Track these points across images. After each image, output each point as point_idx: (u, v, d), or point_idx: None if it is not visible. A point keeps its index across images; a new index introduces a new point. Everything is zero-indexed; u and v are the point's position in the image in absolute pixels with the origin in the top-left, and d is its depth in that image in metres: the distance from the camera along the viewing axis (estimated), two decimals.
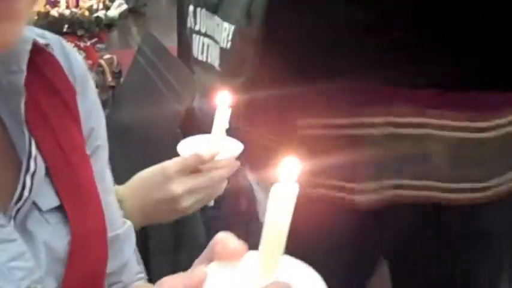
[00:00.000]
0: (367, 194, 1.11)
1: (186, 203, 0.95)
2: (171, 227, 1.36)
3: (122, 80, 2.14)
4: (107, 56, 2.20)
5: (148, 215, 0.96)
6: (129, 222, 0.76)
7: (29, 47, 0.61)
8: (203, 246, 1.45)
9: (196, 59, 1.86)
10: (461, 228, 1.14)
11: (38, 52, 0.64)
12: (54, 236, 0.62)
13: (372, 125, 1.08)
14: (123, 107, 1.76)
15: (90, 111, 0.70)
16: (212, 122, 1.02)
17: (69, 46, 0.71)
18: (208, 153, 0.96)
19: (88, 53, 2.15)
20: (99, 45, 2.21)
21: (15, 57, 0.60)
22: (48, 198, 0.63)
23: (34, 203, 0.61)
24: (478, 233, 1.15)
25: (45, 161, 0.63)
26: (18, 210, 0.60)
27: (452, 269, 1.18)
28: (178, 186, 0.94)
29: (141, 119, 1.48)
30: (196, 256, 1.39)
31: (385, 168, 1.09)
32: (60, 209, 0.63)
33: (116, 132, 1.10)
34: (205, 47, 1.74)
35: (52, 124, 0.65)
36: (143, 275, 0.79)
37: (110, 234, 0.70)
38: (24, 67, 0.61)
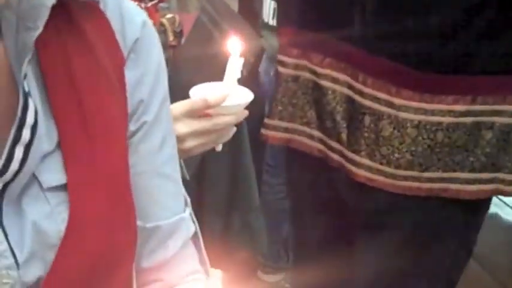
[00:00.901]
0: None
1: (189, 144, 0.96)
2: (225, 188, 1.37)
3: (183, 40, 2.14)
4: (169, 16, 2.21)
5: None
6: (185, 213, 0.68)
7: (50, 2, 0.54)
8: (256, 209, 1.47)
9: (265, 23, 1.85)
10: None
11: (82, 9, 0.57)
12: (51, 218, 0.55)
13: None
14: (184, 66, 1.77)
15: (141, 82, 0.62)
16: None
17: (129, 6, 0.62)
18: (215, 98, 0.97)
19: (149, 14, 2.16)
20: (161, 5, 2.22)
21: (33, 12, 0.54)
22: (52, 175, 0.56)
23: (36, 179, 0.55)
24: None
25: (59, 131, 0.56)
26: (7, 184, 0.53)
27: None
28: (183, 127, 0.95)
29: (203, 78, 1.48)
30: (249, 218, 1.42)
31: None
32: (65, 189, 0.56)
33: (176, 92, 1.10)
34: (276, 12, 1.73)
35: (80, 91, 0.57)
36: (203, 276, 0.70)
37: (147, 223, 0.64)
38: (41, 24, 0.54)
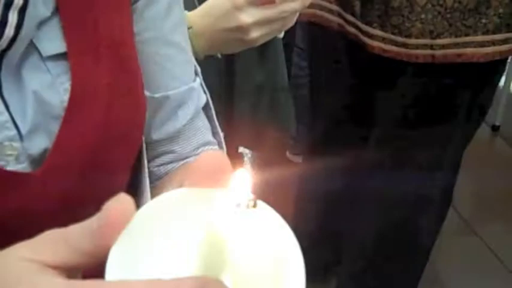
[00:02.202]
0: None
1: (255, 34, 0.92)
2: (255, 69, 1.37)
3: None
4: None
5: (214, 43, 0.93)
6: (195, 83, 0.66)
7: None
8: (285, 90, 1.43)
9: None
10: None
11: None
12: (52, 88, 0.53)
13: None
14: None
15: None
16: None
17: None
18: None
19: None
20: None
21: None
22: (52, 43, 0.53)
23: (35, 47, 0.52)
24: None
25: None
26: (4, 52, 0.51)
27: None
28: (247, 17, 0.90)
29: None
30: (278, 97, 1.37)
31: None
32: (66, 58, 0.53)
33: None
34: None
35: None
36: (216, 147, 0.69)
37: (155, 94, 0.61)
38: None
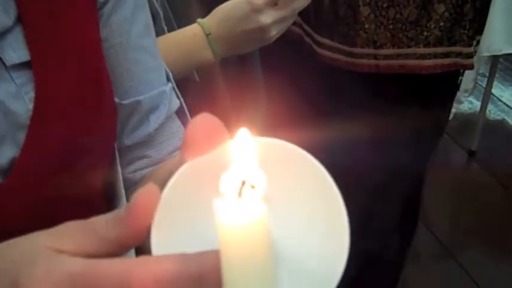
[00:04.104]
0: None
1: (273, 33, 0.96)
2: None
3: None
4: None
5: (233, 45, 0.98)
6: (164, 88, 0.65)
7: None
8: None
9: None
10: None
11: None
12: (17, 98, 0.52)
13: None
14: None
15: None
16: None
17: None
18: None
19: None
20: None
21: None
22: (15, 52, 0.52)
23: None
24: None
25: (17, 4, 0.52)
26: None
27: None
28: (267, 17, 0.95)
29: None
30: None
31: None
32: (31, 66, 0.53)
33: None
34: None
35: None
36: None
37: (124, 100, 0.61)
38: None
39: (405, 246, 1.52)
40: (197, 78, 1.07)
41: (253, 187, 0.29)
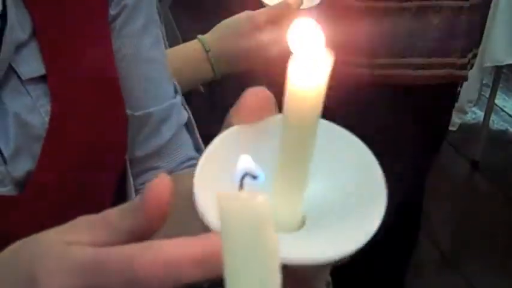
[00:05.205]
0: None
1: (274, 52, 0.95)
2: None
3: None
4: None
5: (234, 63, 0.97)
6: (176, 99, 0.66)
7: None
8: None
9: None
10: None
11: None
12: (33, 111, 0.53)
13: None
14: None
15: None
16: None
17: None
18: (295, 2, 0.95)
19: None
20: None
21: None
22: (30, 66, 0.54)
23: (14, 70, 0.53)
24: None
25: (33, 19, 0.54)
26: None
27: None
28: (267, 35, 0.94)
29: None
30: None
31: None
32: (46, 80, 0.54)
33: None
34: None
35: None
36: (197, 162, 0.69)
37: (136, 112, 0.61)
38: None
39: (406, 257, 1.52)
40: (202, 90, 1.08)
41: (255, 178, 0.29)
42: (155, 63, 0.63)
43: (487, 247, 2.30)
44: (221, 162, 0.34)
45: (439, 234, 2.39)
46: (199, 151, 0.69)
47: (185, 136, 0.68)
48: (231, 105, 0.36)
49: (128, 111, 0.61)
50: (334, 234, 0.33)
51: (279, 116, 0.35)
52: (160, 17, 0.97)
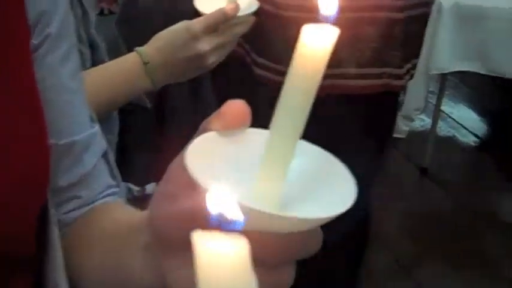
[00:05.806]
0: None
1: (211, 60, 0.97)
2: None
3: None
4: None
5: (173, 73, 0.98)
6: (95, 128, 0.66)
7: None
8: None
9: None
10: None
11: None
12: None
13: None
14: None
15: None
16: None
17: None
18: (231, 8, 0.97)
19: None
20: None
21: None
22: None
23: None
24: None
25: None
26: None
27: None
28: (205, 44, 0.95)
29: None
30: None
31: None
32: None
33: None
34: None
35: None
36: (117, 189, 0.69)
37: (60, 140, 0.61)
38: None
39: (357, 264, 1.52)
40: (148, 105, 1.07)
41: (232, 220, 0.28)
42: (75, 92, 0.63)
43: (439, 253, 2.33)
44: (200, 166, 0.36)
45: (391, 241, 2.41)
46: (115, 178, 0.71)
47: (103, 165, 0.68)
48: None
49: (52, 141, 0.59)
50: (322, 203, 0.37)
51: (256, 129, 0.40)
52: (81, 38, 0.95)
